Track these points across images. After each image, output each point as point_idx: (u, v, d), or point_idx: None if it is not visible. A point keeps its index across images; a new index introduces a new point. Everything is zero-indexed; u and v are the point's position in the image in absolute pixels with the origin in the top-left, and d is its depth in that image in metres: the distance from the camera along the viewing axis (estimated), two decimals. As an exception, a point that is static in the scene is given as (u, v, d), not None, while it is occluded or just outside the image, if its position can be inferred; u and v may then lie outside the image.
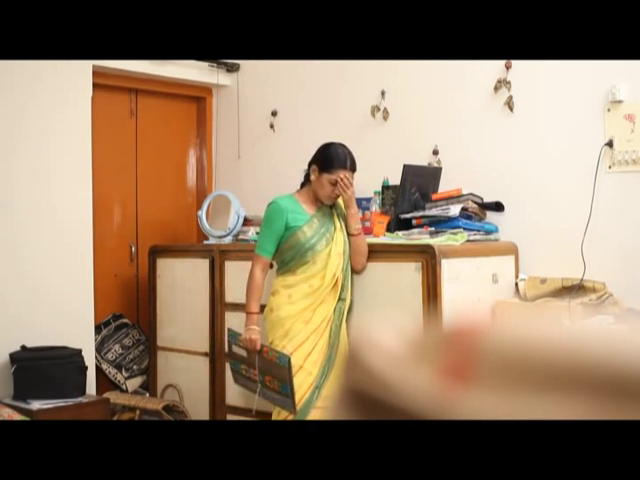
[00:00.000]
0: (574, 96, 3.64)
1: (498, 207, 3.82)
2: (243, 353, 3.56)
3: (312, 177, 3.48)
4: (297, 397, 3.34)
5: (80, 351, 4.01)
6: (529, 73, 3.78)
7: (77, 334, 4.20)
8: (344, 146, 3.51)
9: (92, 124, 4.36)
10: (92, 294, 4.34)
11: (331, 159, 3.43)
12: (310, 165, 3.52)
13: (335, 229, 3.50)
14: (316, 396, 3.35)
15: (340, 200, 3.53)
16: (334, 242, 3.46)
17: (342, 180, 3.40)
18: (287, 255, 3.47)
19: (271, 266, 3.62)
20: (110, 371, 4.61)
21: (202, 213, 4.57)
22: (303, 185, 3.60)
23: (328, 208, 3.55)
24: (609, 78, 3.52)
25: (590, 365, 0.38)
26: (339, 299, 3.45)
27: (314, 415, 3.34)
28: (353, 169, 3.47)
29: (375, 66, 4.26)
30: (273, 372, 3.40)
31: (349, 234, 3.51)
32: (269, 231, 3.47)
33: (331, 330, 3.42)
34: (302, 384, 3.34)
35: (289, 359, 3.32)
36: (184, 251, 4.48)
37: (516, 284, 3.68)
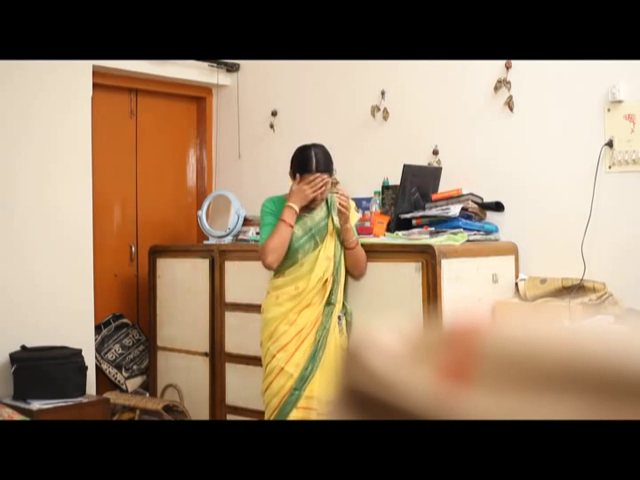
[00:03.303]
0: (574, 96, 3.64)
1: (498, 207, 3.82)
2: None
3: (291, 180, 3.48)
4: (277, 399, 3.34)
5: (80, 351, 4.01)
6: (529, 73, 3.77)
7: (77, 334, 4.20)
8: (317, 147, 3.43)
9: (92, 124, 4.36)
10: (92, 294, 4.34)
11: (301, 163, 3.39)
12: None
13: (327, 233, 3.45)
14: (296, 397, 3.33)
15: (337, 203, 3.42)
16: (324, 245, 3.42)
17: (315, 184, 3.35)
18: None
19: None
20: (110, 371, 4.61)
21: (202, 213, 4.57)
22: None
23: (323, 210, 3.48)
24: (609, 78, 3.52)
25: (590, 365, 0.38)
26: (328, 303, 3.40)
27: (296, 415, 3.33)
28: (326, 170, 3.39)
29: (375, 66, 4.26)
30: None
31: (346, 247, 3.46)
32: (268, 224, 3.42)
33: (318, 333, 3.37)
34: (284, 386, 3.33)
35: None
36: (184, 251, 4.48)
37: (516, 284, 3.68)
